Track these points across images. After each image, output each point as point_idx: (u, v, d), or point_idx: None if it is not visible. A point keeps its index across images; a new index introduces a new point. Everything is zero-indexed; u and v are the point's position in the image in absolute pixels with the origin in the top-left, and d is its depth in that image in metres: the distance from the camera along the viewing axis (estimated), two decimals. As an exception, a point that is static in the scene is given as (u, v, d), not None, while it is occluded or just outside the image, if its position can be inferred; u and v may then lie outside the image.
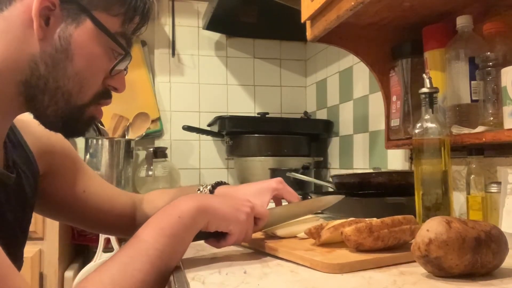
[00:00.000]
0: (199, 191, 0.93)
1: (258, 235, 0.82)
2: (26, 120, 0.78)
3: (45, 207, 0.88)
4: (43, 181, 0.82)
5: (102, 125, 1.91)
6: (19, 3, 0.61)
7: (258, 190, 0.91)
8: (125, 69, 0.71)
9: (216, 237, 0.71)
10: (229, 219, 0.69)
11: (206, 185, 0.94)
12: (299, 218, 0.84)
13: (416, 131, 0.87)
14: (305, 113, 2.20)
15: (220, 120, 1.95)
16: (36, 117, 0.67)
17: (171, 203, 0.68)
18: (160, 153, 2.04)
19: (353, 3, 0.94)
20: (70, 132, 0.70)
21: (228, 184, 0.96)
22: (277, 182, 0.92)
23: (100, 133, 1.89)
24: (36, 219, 1.60)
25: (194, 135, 2.16)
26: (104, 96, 0.69)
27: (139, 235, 0.62)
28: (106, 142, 1.88)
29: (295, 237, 0.80)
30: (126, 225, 0.95)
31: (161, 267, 0.60)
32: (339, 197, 0.90)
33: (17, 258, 0.74)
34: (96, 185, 0.91)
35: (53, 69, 0.62)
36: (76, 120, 0.67)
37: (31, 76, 0.62)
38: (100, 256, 1.72)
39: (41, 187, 0.82)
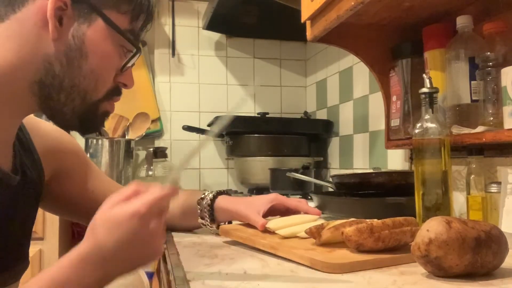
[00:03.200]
0: (201, 198, 0.92)
1: (259, 234, 0.82)
2: (35, 121, 0.79)
3: (53, 205, 0.88)
4: (52, 180, 0.82)
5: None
6: (32, 4, 0.62)
7: (256, 199, 0.92)
8: (133, 64, 0.72)
9: None
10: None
11: (209, 192, 0.93)
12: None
13: (416, 131, 0.87)
14: (305, 113, 2.20)
15: (220, 120, 1.95)
16: (51, 116, 0.68)
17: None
18: (160, 153, 2.04)
19: (353, 3, 0.94)
20: (86, 128, 0.71)
21: (229, 194, 0.96)
22: (274, 195, 0.93)
23: (100, 133, 1.89)
24: (36, 219, 1.59)
25: (194, 135, 2.16)
26: (115, 92, 0.70)
27: None
28: (106, 142, 1.88)
29: (296, 236, 0.80)
30: None
31: None
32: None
33: (22, 259, 0.74)
34: (104, 184, 0.92)
35: (68, 68, 0.63)
36: (92, 116, 0.69)
37: (46, 76, 0.63)
38: (100, 256, 1.71)
39: (50, 186, 0.82)
